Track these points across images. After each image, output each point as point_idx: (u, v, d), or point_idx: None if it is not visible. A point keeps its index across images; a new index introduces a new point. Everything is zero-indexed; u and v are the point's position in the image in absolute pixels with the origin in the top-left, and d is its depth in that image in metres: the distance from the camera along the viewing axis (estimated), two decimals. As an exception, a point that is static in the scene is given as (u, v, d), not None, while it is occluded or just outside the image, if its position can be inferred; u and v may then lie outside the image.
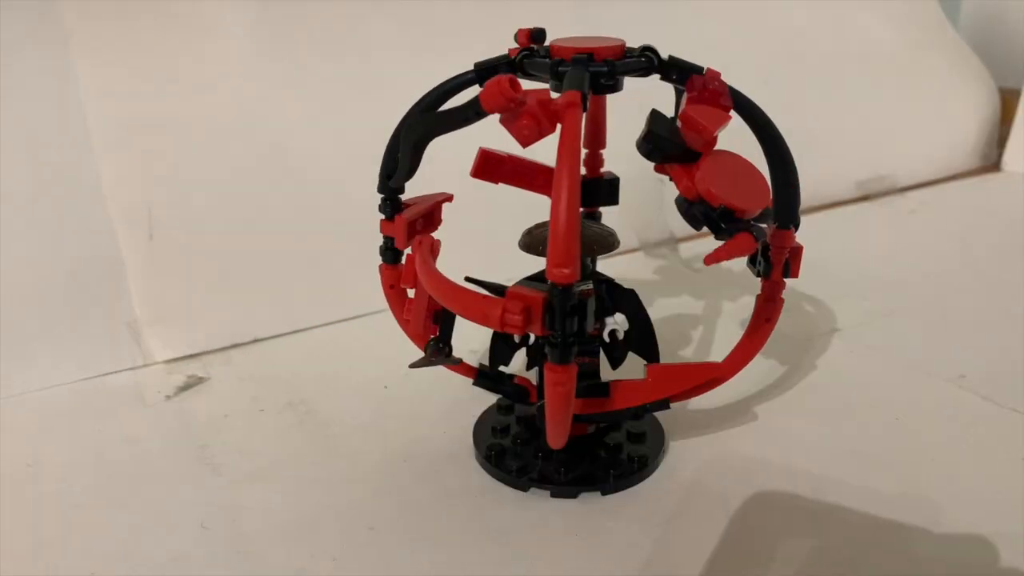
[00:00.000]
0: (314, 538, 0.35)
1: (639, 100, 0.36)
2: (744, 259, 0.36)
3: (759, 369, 0.47)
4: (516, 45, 0.35)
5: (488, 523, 0.36)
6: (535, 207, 0.38)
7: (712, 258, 0.33)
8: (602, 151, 0.40)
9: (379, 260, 0.40)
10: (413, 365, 0.37)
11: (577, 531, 0.35)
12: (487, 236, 0.48)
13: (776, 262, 0.37)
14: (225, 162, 0.52)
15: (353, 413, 0.44)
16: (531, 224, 0.38)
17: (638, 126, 0.34)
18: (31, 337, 0.47)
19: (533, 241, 0.37)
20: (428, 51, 0.59)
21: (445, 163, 0.38)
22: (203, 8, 0.53)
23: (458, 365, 0.40)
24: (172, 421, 0.44)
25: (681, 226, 0.67)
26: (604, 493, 0.37)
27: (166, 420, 0.44)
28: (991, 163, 0.88)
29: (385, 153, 0.37)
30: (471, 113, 0.30)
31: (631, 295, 0.38)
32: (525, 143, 0.30)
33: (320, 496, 0.38)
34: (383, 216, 0.39)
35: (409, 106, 0.36)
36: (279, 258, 0.53)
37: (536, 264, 0.35)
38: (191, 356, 0.50)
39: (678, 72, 0.33)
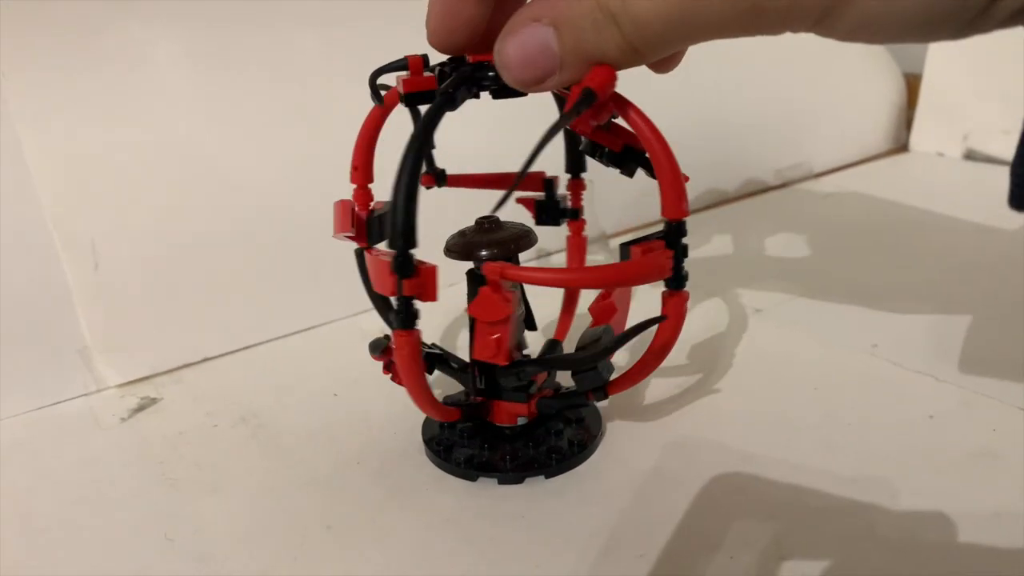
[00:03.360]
0: (274, 541, 0.37)
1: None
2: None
3: (689, 352, 0.50)
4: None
5: (440, 513, 0.38)
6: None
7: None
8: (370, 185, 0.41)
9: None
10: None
11: (524, 513, 0.37)
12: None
13: None
14: (164, 188, 0.53)
15: (305, 422, 0.46)
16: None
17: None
18: (-18, 371, 0.48)
19: (456, 246, 0.39)
20: (356, 73, 0.61)
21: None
22: (136, 43, 0.54)
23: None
24: (128, 442, 0.45)
25: (610, 224, 0.70)
26: (548, 477, 0.39)
27: (122, 441, 0.45)
28: (900, 144, 0.93)
29: (402, 204, 0.31)
30: (584, 106, 0.30)
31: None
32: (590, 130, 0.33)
33: (277, 502, 0.39)
34: (401, 276, 0.32)
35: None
36: (223, 279, 0.55)
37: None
38: (143, 379, 0.51)
39: None
